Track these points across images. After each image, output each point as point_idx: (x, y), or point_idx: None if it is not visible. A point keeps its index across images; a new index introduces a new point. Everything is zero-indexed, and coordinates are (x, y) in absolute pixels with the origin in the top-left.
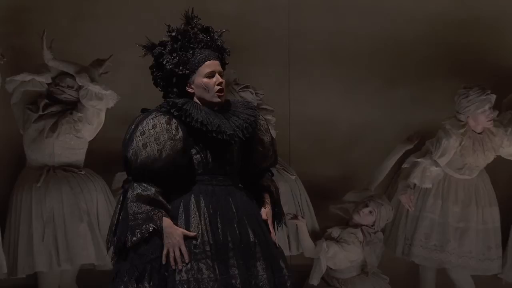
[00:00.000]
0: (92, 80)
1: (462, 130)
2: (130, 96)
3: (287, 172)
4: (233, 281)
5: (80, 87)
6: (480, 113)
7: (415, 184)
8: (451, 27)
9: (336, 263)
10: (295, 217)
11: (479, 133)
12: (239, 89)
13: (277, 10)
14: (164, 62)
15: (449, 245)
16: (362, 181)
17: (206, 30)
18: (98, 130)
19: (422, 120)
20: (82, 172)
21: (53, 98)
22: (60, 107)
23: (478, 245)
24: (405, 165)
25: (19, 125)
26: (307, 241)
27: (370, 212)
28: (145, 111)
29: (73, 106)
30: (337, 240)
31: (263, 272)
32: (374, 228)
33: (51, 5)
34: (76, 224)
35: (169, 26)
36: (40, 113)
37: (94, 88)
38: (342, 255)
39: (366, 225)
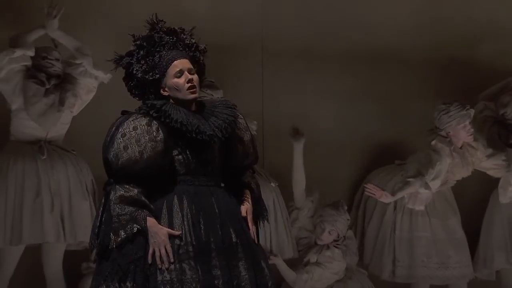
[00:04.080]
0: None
1: (452, 147)
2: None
3: (267, 178)
4: (216, 282)
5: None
6: (461, 128)
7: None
8: (425, 36)
9: (325, 282)
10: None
11: (460, 148)
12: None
13: (251, 11)
14: (134, 72)
15: (451, 260)
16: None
17: (172, 32)
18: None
19: (395, 122)
20: (74, 153)
21: (41, 71)
22: (55, 80)
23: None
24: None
25: (10, 100)
26: (288, 275)
27: (329, 232)
28: (126, 113)
29: (59, 79)
30: (318, 263)
31: (245, 272)
32: (341, 238)
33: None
34: (80, 201)
35: (133, 35)
36: (47, 86)
37: (97, 72)
38: (328, 273)
39: (334, 241)
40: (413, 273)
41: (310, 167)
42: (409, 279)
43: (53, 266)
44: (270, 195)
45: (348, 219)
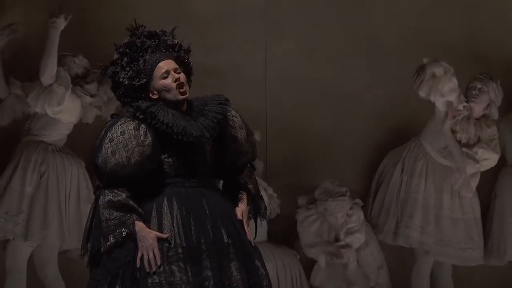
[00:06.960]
0: None
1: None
2: None
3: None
4: (206, 283)
5: None
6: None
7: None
8: (430, 27)
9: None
10: None
11: (477, 119)
12: None
13: (253, 10)
14: (120, 79)
15: (449, 239)
16: None
17: (153, 35)
18: None
19: (400, 121)
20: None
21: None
22: None
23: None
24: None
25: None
26: None
27: (341, 216)
28: (115, 117)
29: None
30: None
31: (237, 273)
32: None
33: None
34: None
35: (115, 44)
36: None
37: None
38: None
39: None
40: (408, 234)
41: (315, 164)
42: (406, 243)
43: (52, 266)
44: (295, 263)
45: (346, 192)
